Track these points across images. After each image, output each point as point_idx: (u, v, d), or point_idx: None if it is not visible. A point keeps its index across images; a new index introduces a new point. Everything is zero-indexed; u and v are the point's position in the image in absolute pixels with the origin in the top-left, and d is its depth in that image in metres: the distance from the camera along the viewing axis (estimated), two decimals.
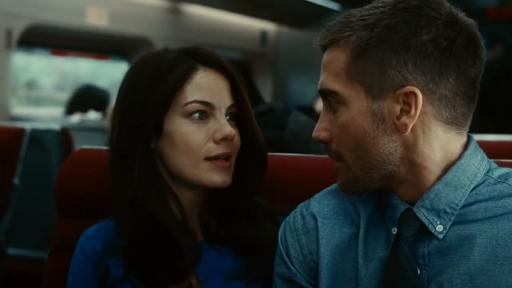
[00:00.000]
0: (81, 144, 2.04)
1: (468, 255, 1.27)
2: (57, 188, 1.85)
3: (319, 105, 7.47)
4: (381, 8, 1.30)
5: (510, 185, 1.31)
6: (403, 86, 1.27)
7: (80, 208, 1.83)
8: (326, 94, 1.34)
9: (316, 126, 1.37)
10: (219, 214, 1.61)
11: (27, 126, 3.47)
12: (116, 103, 1.61)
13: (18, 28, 6.44)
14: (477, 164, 1.33)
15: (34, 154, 3.34)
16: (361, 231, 1.38)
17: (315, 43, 1.37)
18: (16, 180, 3.30)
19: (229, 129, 1.54)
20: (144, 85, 1.54)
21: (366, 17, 1.30)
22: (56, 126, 3.57)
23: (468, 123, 1.34)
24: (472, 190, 1.31)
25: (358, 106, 1.30)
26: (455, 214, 1.30)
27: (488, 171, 1.34)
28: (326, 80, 1.33)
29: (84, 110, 6.88)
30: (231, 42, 9.40)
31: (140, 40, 7.70)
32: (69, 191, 1.85)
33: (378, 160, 1.31)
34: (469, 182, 1.31)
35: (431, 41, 1.27)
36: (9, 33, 6.36)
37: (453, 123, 1.31)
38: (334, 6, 9.94)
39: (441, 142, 1.31)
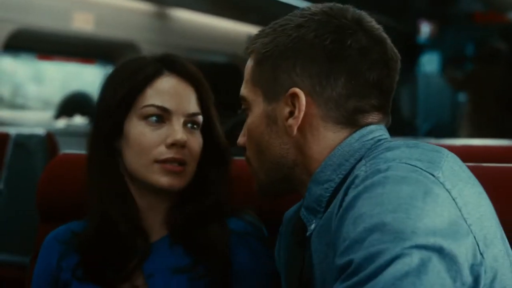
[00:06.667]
0: (68, 149, 2.04)
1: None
2: (39, 193, 1.84)
3: None
4: (289, 16, 1.36)
5: (357, 185, 1.18)
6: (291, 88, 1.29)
7: (61, 213, 1.83)
8: (241, 101, 1.39)
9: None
10: (179, 215, 1.62)
11: (12, 131, 3.46)
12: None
13: (4, 33, 6.41)
14: (346, 156, 1.28)
15: (18, 159, 3.32)
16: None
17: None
18: (0, 185, 3.28)
19: (180, 135, 1.56)
20: (110, 86, 1.60)
21: (272, 25, 1.36)
22: (41, 131, 3.55)
23: (371, 122, 1.31)
24: (338, 185, 1.27)
25: (258, 109, 1.35)
26: (322, 211, 1.29)
27: (359, 162, 1.26)
28: (242, 87, 1.39)
29: (71, 115, 6.85)
30: (218, 46, 9.40)
31: (127, 45, 7.67)
32: (50, 196, 1.85)
33: (274, 163, 1.34)
34: (335, 177, 1.28)
35: (318, 44, 1.29)
36: None
37: (345, 123, 1.29)
38: None
39: (330, 143, 1.29)
